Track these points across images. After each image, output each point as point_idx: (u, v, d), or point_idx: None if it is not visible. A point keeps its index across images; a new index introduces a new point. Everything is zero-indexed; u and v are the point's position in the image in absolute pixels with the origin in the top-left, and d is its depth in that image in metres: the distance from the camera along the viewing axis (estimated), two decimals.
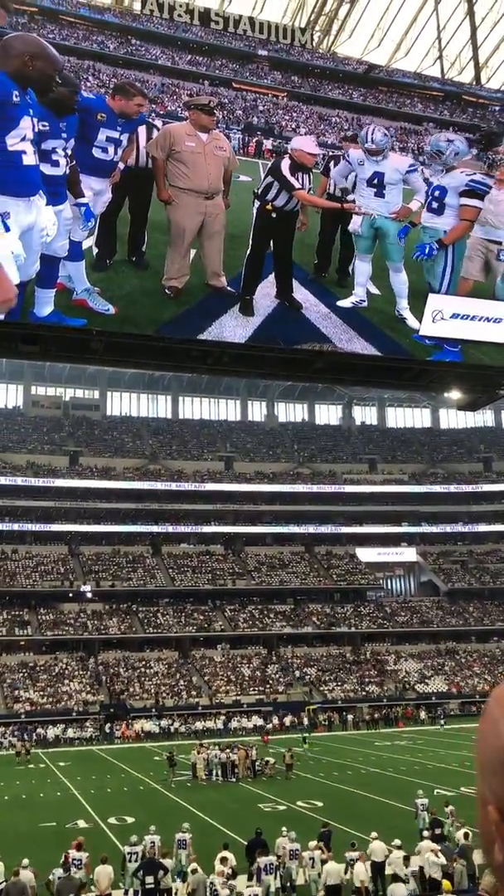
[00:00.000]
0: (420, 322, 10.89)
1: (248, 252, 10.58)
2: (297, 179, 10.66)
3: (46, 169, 8.73)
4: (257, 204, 10.69)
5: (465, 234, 10.85)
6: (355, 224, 11.07)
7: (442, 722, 43.69)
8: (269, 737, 37.47)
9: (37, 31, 46.00)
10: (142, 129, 10.26)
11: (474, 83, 66.82)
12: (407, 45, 68.91)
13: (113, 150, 9.66)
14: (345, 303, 10.93)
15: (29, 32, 7.82)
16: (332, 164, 11.48)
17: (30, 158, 8.06)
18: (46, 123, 8.65)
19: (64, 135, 8.93)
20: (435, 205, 10.87)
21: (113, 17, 54.06)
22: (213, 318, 10.35)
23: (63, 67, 8.60)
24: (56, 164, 8.85)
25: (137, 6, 57.94)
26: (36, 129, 8.07)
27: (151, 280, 10.18)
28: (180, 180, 10.09)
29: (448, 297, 10.86)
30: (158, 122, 10.66)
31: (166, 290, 10.16)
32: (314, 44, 62.65)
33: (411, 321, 10.96)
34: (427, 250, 10.80)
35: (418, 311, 10.92)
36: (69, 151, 9.05)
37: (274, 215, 10.64)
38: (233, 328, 10.42)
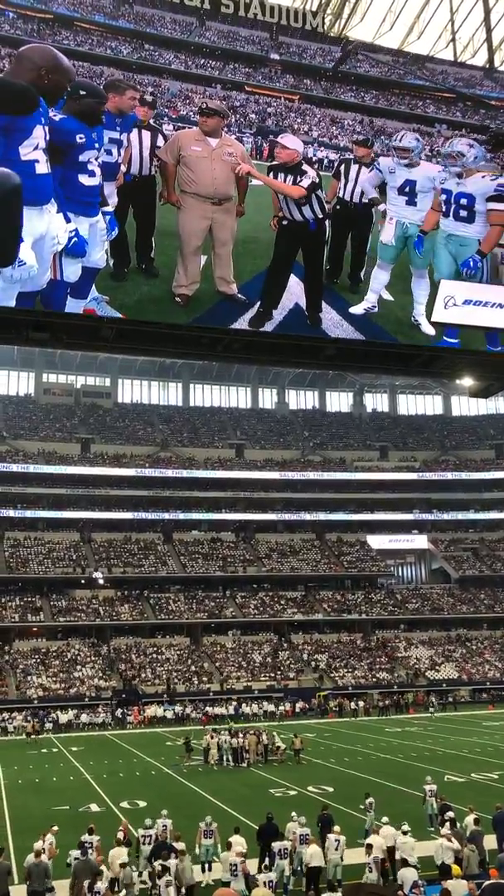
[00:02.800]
0: (434, 328, 10.81)
1: (269, 264, 10.41)
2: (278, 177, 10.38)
3: (85, 180, 8.81)
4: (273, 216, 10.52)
5: (499, 238, 10.78)
6: (389, 235, 10.95)
7: (432, 710, 43.37)
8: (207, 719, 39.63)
9: (51, 38, 46.22)
10: (146, 135, 10.16)
11: (488, 66, 66.19)
12: (419, 27, 68.30)
13: (116, 151, 9.66)
14: (357, 309, 10.79)
15: (43, 41, 7.72)
16: (342, 167, 11.32)
17: (42, 167, 8.08)
18: (83, 136, 8.71)
19: (97, 145, 8.97)
20: (464, 213, 10.73)
21: (126, 22, 53.88)
22: (224, 326, 10.28)
23: (74, 77, 8.53)
24: (93, 174, 8.88)
25: None
26: (48, 138, 8.05)
27: (161, 288, 10.05)
28: (186, 185, 10.03)
29: (461, 283, 10.75)
30: (170, 126, 10.51)
31: (176, 298, 10.05)
32: (325, 27, 62.20)
33: (425, 327, 10.87)
34: (472, 264, 10.72)
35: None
36: (100, 161, 9.06)
37: (285, 222, 10.47)
38: None
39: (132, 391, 70.36)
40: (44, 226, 8.25)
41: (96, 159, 8.92)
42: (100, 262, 9.30)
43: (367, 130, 44.56)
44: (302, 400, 75.39)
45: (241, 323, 10.27)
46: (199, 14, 56.16)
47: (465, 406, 75.53)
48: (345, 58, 55.38)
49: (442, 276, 10.78)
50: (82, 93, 8.78)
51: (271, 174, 10.37)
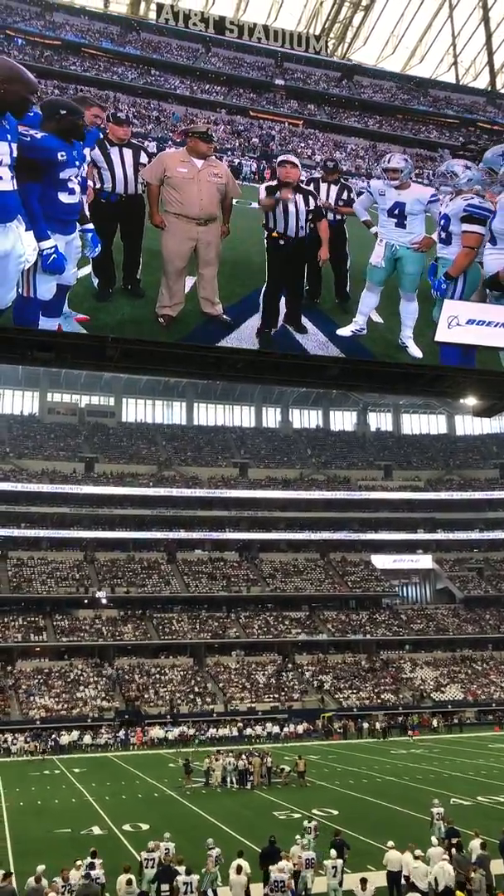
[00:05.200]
0: (422, 351, 10.78)
1: (265, 285, 10.37)
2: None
3: (64, 198, 8.75)
4: (265, 233, 10.50)
5: (469, 261, 10.54)
6: (378, 256, 10.91)
7: (410, 733, 42.68)
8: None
9: (59, 63, 46.86)
10: (128, 153, 10.16)
11: (489, 88, 66.80)
12: (422, 51, 69.01)
13: (81, 165, 9.68)
14: (344, 331, 10.73)
15: (8, 57, 7.69)
16: (312, 186, 11.39)
17: (6, 184, 8.01)
18: (64, 153, 8.67)
19: (77, 162, 8.93)
20: (443, 234, 10.63)
21: (133, 48, 54.73)
22: (208, 345, 10.28)
23: (37, 89, 8.53)
24: (72, 192, 8.83)
25: (153, 16, 58.57)
26: (15, 154, 8.01)
27: (145, 308, 9.97)
28: (172, 206, 10.04)
29: (464, 303, 10.77)
30: (173, 149, 10.57)
31: (159, 319, 10.00)
32: (329, 51, 62.86)
33: (412, 349, 10.82)
34: (437, 285, 10.60)
35: (422, 340, 10.76)
36: (79, 178, 9.04)
37: (282, 242, 10.49)
38: None
39: (136, 410, 70.51)
40: (9, 243, 8.18)
41: (76, 177, 8.90)
42: (71, 279, 9.22)
43: (369, 155, 44.98)
44: (306, 419, 75.46)
45: (228, 343, 10.27)
46: (205, 41, 56.99)
47: (469, 425, 75.47)
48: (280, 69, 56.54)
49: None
50: (63, 112, 8.77)
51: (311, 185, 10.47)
